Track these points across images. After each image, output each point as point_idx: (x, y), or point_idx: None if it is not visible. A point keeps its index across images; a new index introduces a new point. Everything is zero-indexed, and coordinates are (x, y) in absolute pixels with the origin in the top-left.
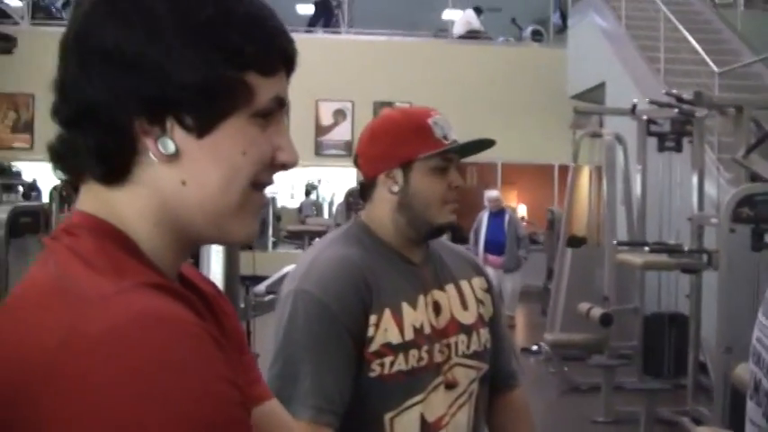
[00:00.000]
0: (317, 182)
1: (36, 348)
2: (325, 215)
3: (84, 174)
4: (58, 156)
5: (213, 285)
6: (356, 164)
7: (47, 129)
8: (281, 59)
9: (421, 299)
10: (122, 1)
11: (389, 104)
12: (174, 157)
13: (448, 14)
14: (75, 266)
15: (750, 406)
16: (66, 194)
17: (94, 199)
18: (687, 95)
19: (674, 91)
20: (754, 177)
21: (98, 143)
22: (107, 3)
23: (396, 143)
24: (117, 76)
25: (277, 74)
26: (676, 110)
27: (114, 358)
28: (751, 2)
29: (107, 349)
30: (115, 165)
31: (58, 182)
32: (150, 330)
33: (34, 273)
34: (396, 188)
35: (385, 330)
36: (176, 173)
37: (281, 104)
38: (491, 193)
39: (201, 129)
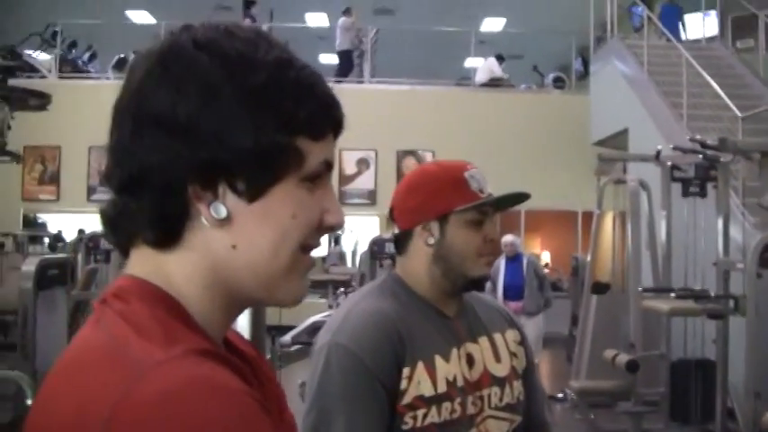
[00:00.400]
0: (340, 231)
1: (88, 416)
2: (348, 264)
3: (136, 238)
4: (111, 220)
5: (254, 347)
6: (391, 216)
7: (72, 181)
8: (330, 124)
9: (454, 351)
10: (177, 67)
11: (412, 153)
12: (226, 222)
13: (470, 62)
14: (126, 333)
15: None
16: (91, 246)
17: (145, 263)
18: (711, 141)
19: (699, 137)
20: None
21: (152, 208)
22: (162, 69)
23: (432, 196)
24: (171, 141)
25: (326, 138)
26: (701, 155)
27: (165, 427)
28: None
29: (158, 418)
30: (168, 230)
31: (82, 233)
32: (200, 399)
33: (85, 337)
34: (432, 240)
35: (418, 383)
36: (227, 237)
37: (328, 168)
38: (506, 238)
39: (253, 193)
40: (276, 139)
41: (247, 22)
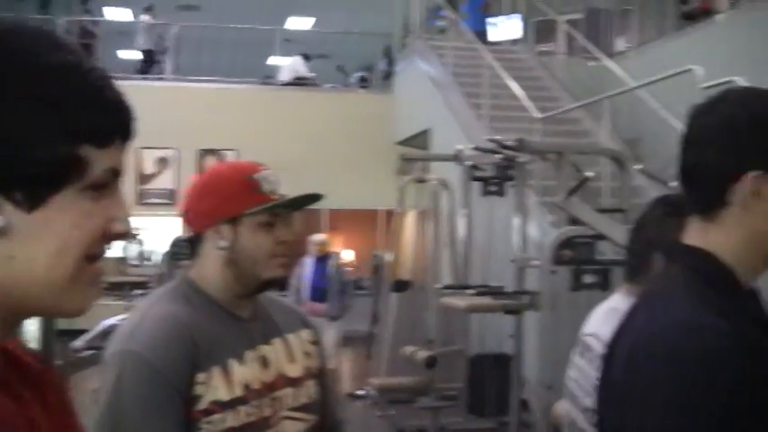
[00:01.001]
0: (139, 231)
1: None
2: (148, 264)
3: None
4: None
5: (38, 357)
6: (185, 219)
7: None
8: (118, 130)
9: (248, 354)
10: None
11: (214, 152)
12: (3, 232)
13: (274, 61)
14: None
15: None
16: None
17: None
18: (510, 141)
19: (498, 137)
20: (575, 220)
21: None
22: None
23: (223, 198)
24: None
25: (112, 145)
26: (499, 156)
27: None
28: (571, 50)
29: None
30: None
31: None
32: None
33: None
34: (223, 243)
35: (215, 388)
36: (4, 248)
37: (115, 175)
38: (317, 237)
39: (31, 203)
40: (57, 149)
41: (86, 17)
